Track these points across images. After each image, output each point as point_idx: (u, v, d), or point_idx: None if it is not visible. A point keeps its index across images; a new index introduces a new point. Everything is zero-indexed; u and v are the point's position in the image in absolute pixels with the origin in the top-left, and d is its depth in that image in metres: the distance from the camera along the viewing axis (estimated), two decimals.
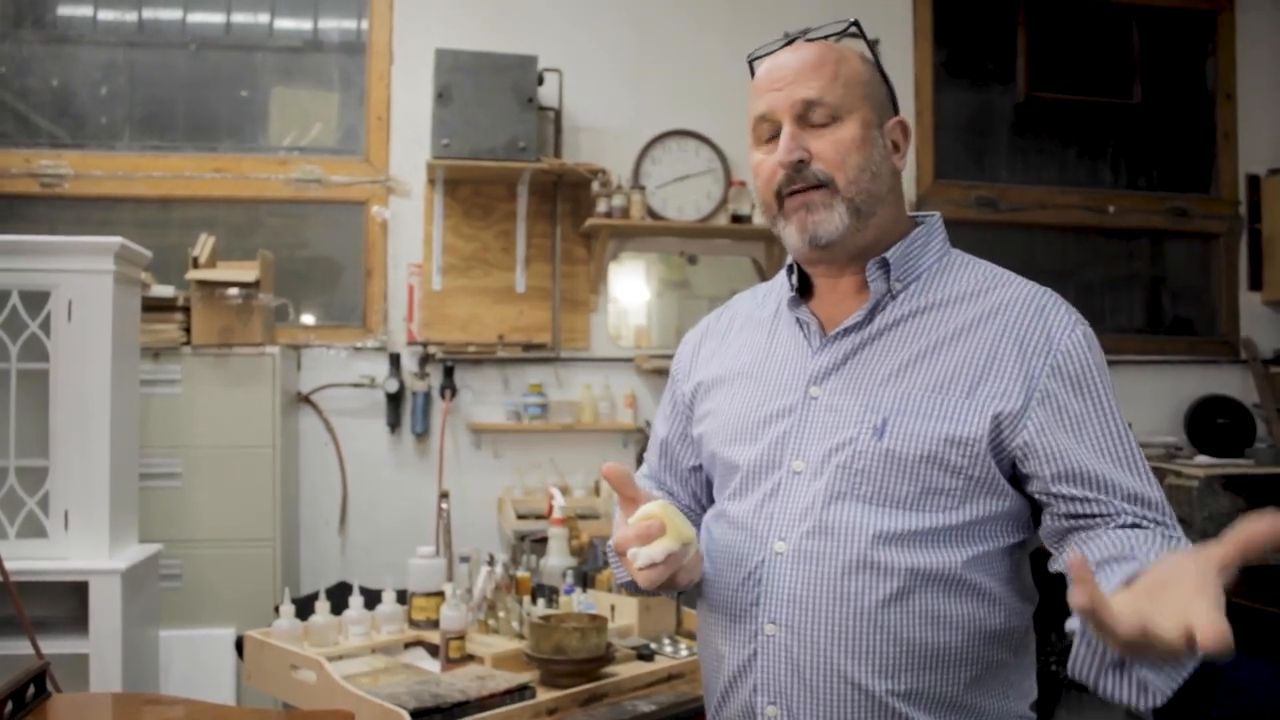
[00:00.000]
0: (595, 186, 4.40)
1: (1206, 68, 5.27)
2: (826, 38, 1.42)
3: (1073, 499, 1.28)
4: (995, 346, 1.32)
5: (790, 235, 1.38)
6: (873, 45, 1.44)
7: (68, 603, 3.13)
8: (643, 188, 4.49)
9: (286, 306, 4.27)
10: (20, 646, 2.88)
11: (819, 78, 1.35)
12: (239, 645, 2.92)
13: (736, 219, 4.53)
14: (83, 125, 4.41)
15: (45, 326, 3.11)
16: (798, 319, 1.45)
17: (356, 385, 4.34)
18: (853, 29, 1.43)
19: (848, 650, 1.28)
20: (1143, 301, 5.28)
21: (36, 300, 3.11)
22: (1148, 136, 5.21)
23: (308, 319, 4.46)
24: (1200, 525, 4.20)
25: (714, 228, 4.58)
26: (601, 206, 4.37)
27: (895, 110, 1.44)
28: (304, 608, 2.40)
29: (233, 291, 3.78)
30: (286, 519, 3.92)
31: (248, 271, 3.79)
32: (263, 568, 3.74)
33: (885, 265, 1.38)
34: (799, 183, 1.36)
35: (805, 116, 1.36)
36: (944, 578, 1.29)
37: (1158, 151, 5.23)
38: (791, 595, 1.31)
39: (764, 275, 4.60)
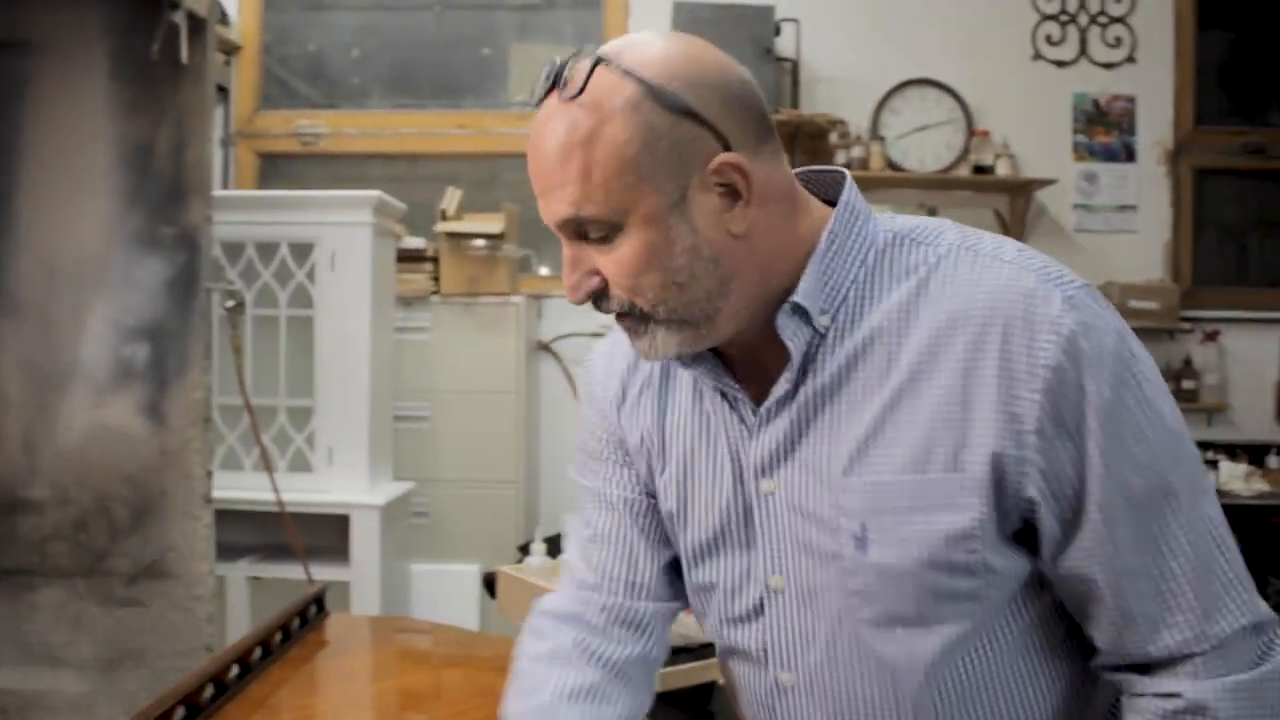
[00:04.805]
0: (833, 138, 4.31)
1: None
2: (543, 97, 1.01)
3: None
4: (968, 377, 0.97)
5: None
6: (633, 73, 0.97)
7: (326, 533, 3.33)
8: (882, 138, 4.37)
9: (529, 258, 4.38)
10: (287, 570, 3.12)
11: (571, 182, 0.98)
12: (487, 581, 3.04)
13: (979, 170, 4.35)
14: (337, 86, 4.65)
15: (311, 275, 3.31)
16: (721, 392, 1.11)
17: (596, 335, 4.42)
18: (589, 66, 0.99)
19: None
20: None
21: (302, 251, 3.32)
22: None
23: (545, 270, 4.57)
24: None
25: (955, 179, 4.42)
26: (840, 158, 4.28)
27: (720, 142, 0.97)
28: (550, 547, 2.47)
29: (479, 243, 3.90)
30: (529, 462, 4.04)
31: (493, 223, 3.91)
32: (506, 508, 3.87)
33: (800, 311, 1.02)
34: (607, 312, 1.06)
35: (580, 233, 1.01)
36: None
37: None
38: None
39: (1007, 229, 4.41)
